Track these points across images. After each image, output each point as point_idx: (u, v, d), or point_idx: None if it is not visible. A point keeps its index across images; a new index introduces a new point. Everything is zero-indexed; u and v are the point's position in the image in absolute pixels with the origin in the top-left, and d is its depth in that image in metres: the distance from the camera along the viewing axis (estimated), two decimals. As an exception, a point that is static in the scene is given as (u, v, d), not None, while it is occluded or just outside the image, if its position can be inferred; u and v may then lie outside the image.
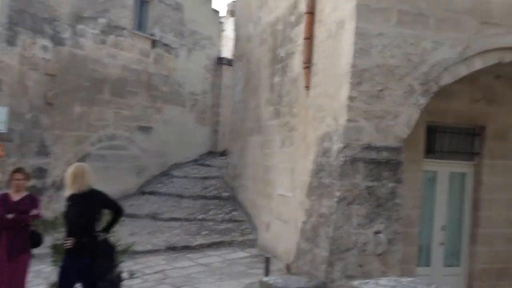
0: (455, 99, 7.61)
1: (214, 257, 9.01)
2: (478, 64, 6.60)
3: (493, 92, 7.81)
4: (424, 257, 7.82)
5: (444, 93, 6.74)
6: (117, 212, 5.37)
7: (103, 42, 11.87)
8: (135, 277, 6.14)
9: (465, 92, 7.64)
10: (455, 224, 7.97)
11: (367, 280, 3.56)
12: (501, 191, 7.85)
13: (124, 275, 6.03)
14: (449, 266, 7.95)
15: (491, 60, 6.64)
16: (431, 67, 6.33)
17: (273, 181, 9.16)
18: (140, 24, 13.23)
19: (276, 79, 9.27)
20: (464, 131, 7.88)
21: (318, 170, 6.71)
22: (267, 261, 7.29)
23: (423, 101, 6.32)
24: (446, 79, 6.44)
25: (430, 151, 7.68)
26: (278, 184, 8.85)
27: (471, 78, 7.17)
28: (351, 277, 6.08)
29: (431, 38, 6.31)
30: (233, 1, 16.50)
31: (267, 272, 7.18)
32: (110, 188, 11.56)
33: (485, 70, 6.84)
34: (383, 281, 3.48)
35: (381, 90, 6.17)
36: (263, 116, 10.08)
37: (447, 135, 7.83)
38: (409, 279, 3.49)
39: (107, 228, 5.33)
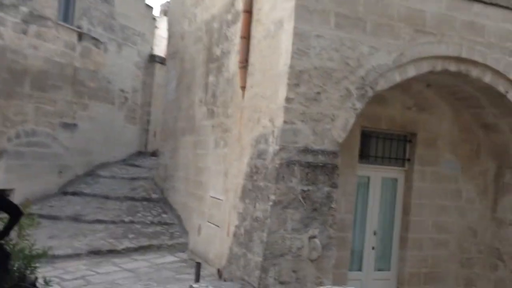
0: (388, 106, 7.70)
1: (141, 262, 8.57)
2: (411, 72, 6.68)
3: (424, 100, 7.98)
4: (356, 262, 7.84)
5: (378, 99, 6.77)
6: (15, 216, 4.89)
7: (24, 32, 11.04)
8: (50, 285, 5.62)
9: (398, 99, 7.76)
10: (387, 229, 8.07)
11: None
12: (430, 197, 8.03)
13: (40, 282, 5.54)
14: (380, 270, 8.03)
15: (424, 68, 6.74)
16: (367, 72, 6.32)
17: (206, 183, 8.87)
18: (66, 15, 12.46)
19: (211, 78, 9.00)
20: (396, 137, 7.99)
21: (252, 173, 6.51)
22: (197, 266, 6.99)
23: (359, 105, 6.29)
24: (382, 85, 6.46)
25: (364, 156, 7.72)
26: (211, 186, 8.58)
27: (404, 86, 7.27)
28: (284, 283, 5.94)
29: (368, 43, 6.31)
30: (167, 1, 16.04)
31: (197, 278, 6.88)
32: (28, 187, 10.96)
33: (417, 78, 6.96)
34: (323, 290, 3.30)
35: (318, 93, 6.07)
36: (196, 116, 9.76)
37: (381, 140, 7.91)
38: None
39: (2, 234, 4.85)
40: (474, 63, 6.96)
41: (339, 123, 6.17)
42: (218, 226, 7.97)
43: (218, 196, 8.14)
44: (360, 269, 7.88)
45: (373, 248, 7.96)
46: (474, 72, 7.03)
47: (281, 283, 5.92)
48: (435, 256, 8.10)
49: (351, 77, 6.22)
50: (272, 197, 5.93)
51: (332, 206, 6.12)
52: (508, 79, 7.19)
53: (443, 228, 8.14)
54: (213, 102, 8.80)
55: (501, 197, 8.30)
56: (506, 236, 8.11)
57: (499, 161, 8.32)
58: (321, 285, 6.09)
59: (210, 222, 8.44)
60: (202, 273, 7.04)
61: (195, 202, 9.43)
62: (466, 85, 7.44)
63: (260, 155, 6.34)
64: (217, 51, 8.73)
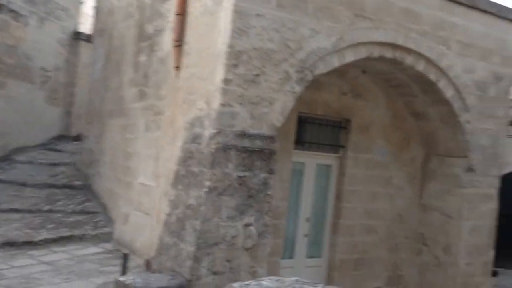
0: (325, 91, 7.62)
1: (61, 254, 7.95)
2: (350, 57, 6.61)
3: (360, 86, 7.98)
4: (288, 250, 7.74)
5: (314, 83, 6.64)
6: None
7: None
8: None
9: (334, 85, 7.70)
10: (319, 216, 8.03)
11: (247, 282, 3.14)
12: (363, 184, 8.08)
13: None
14: (312, 257, 7.99)
15: (361, 53, 6.69)
16: (307, 54, 6.16)
17: (135, 169, 8.39)
18: (-20, -17, 11.36)
19: (142, 57, 8.48)
20: (331, 123, 7.94)
21: (186, 158, 6.17)
22: (124, 257, 6.56)
23: (298, 89, 6.13)
24: (321, 69, 6.33)
25: (300, 142, 7.60)
26: (141, 172, 8.11)
27: (340, 71, 7.22)
28: (218, 273, 5.69)
29: (309, 25, 6.14)
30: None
31: (124, 270, 6.46)
32: None
33: (354, 64, 6.91)
34: (265, 282, 3.09)
35: (257, 75, 5.83)
36: (125, 98, 9.21)
37: (316, 126, 7.83)
38: (293, 278, 3.15)
39: None
40: (409, 50, 7.02)
41: (278, 107, 5.97)
42: (147, 214, 7.55)
43: (148, 182, 7.71)
44: (292, 257, 7.80)
45: (305, 235, 7.90)
46: (408, 60, 7.09)
47: (214, 273, 5.67)
48: (365, 242, 8.19)
49: (291, 60, 6.03)
50: (207, 183, 5.64)
51: (269, 193, 5.93)
52: (439, 68, 7.33)
53: (374, 214, 8.24)
54: (144, 82, 8.31)
55: (427, 184, 8.54)
56: (431, 222, 8.36)
57: (427, 148, 8.54)
58: (255, 274, 5.91)
59: (138, 210, 8.00)
60: (128, 264, 6.63)
61: (123, 189, 8.91)
62: (400, 72, 7.51)
63: (195, 139, 6.02)
64: (150, 29, 8.23)
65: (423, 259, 8.39)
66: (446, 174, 8.15)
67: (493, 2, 7.84)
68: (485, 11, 7.75)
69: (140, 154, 8.22)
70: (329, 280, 7.98)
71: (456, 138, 7.85)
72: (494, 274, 8.60)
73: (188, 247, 5.76)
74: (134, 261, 7.20)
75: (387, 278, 8.45)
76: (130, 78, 9.01)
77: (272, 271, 6.92)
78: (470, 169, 7.86)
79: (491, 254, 8.19)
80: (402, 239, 8.54)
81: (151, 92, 7.91)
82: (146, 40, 8.29)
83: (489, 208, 8.09)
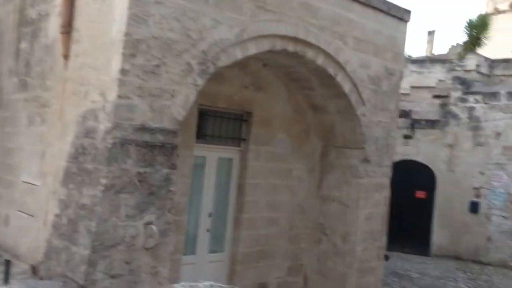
0: (226, 84, 7.46)
1: None
2: (252, 49, 6.50)
3: (261, 79, 7.93)
4: (190, 246, 7.52)
5: (216, 76, 6.44)
6: None
7: None
8: None
9: (236, 77, 7.57)
10: (221, 210, 7.89)
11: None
12: (264, 176, 8.07)
13: None
14: (214, 252, 7.84)
15: (264, 46, 6.62)
16: (209, 46, 5.94)
17: (17, 166, 7.60)
18: None
19: (24, 44, 7.68)
20: (233, 116, 7.81)
21: (78, 154, 5.69)
22: (7, 264, 5.90)
23: (200, 81, 5.90)
24: (224, 61, 6.15)
25: (201, 135, 7.38)
26: (24, 170, 7.37)
27: (242, 64, 7.11)
28: (116, 277, 5.33)
29: (211, 15, 5.92)
30: None
31: (6, 278, 5.81)
32: None
33: (256, 56, 6.83)
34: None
35: (157, 66, 5.50)
36: (4, 89, 8.30)
37: (218, 119, 7.65)
38: (207, 283, 2.95)
39: None
40: (309, 44, 7.08)
41: (179, 100, 5.70)
42: (32, 216, 6.89)
43: (32, 181, 7.02)
44: (194, 253, 7.59)
45: (207, 230, 7.73)
46: (309, 54, 7.15)
47: (112, 277, 5.30)
48: (267, 234, 8.20)
49: (192, 51, 5.77)
50: (103, 181, 5.23)
51: (171, 189, 5.66)
52: (337, 62, 7.49)
53: (275, 207, 8.28)
54: (26, 72, 7.53)
55: (326, 175, 8.75)
56: (330, 212, 8.59)
57: (326, 140, 8.74)
58: (157, 275, 5.64)
59: (21, 211, 7.28)
60: (12, 271, 5.98)
61: (2, 188, 8.07)
62: (301, 66, 7.56)
63: (88, 133, 5.55)
64: (33, 13, 7.46)
65: (322, 248, 8.60)
66: (344, 165, 8.40)
67: (385, 0, 8.17)
68: (378, 9, 8.05)
69: (23, 150, 7.47)
70: (232, 274, 7.89)
71: (353, 131, 8.11)
72: (386, 258, 9.07)
73: (82, 251, 5.32)
74: (19, 267, 6.52)
75: (288, 268, 8.56)
76: (9, 67, 8.14)
77: (174, 269, 6.68)
78: (366, 160, 8.16)
79: (384, 239, 8.61)
80: (302, 229, 8.68)
81: (35, 83, 7.19)
82: (28, 25, 7.52)
83: (383, 196, 8.49)
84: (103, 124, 5.35)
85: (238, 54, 6.34)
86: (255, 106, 7.90)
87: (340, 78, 7.60)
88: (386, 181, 8.56)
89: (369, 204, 8.26)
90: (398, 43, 8.54)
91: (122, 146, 5.30)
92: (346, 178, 8.38)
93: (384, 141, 8.43)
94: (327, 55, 7.34)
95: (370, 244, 8.30)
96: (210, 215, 7.72)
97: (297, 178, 8.56)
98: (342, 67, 7.56)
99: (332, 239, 8.48)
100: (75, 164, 5.72)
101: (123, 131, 5.30)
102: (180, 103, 5.71)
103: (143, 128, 5.42)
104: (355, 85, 7.78)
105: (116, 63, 5.30)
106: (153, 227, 5.53)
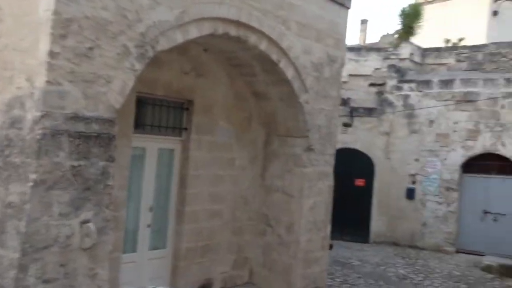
0: (165, 69, 7.06)
1: None
2: (193, 32, 6.12)
3: (202, 65, 7.58)
4: (130, 243, 7.08)
5: (154, 61, 6.02)
6: None
7: None
8: None
9: (175, 63, 7.18)
10: (163, 204, 7.51)
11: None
12: (207, 167, 7.76)
13: None
14: (156, 249, 7.44)
15: (205, 29, 6.26)
16: (147, 28, 5.52)
17: None
18: None
19: None
20: (173, 104, 7.42)
21: (3, 146, 5.10)
22: None
23: (139, 66, 5.46)
24: (163, 44, 5.74)
25: (140, 125, 6.94)
26: None
27: (181, 49, 6.75)
28: (49, 281, 4.85)
29: (148, -6, 5.50)
30: None
31: None
32: None
33: (195, 41, 6.47)
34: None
35: (91, 48, 5.02)
36: None
37: (157, 108, 7.23)
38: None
39: None
40: (252, 29, 6.80)
41: (116, 86, 5.25)
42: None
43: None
44: (134, 250, 7.16)
45: (148, 225, 7.32)
46: (252, 39, 6.87)
47: (46, 281, 4.82)
48: (210, 227, 7.91)
49: (129, 33, 5.33)
50: (33, 176, 4.71)
51: (109, 183, 5.22)
52: (281, 48, 7.27)
53: (218, 198, 7.99)
54: None
55: (269, 164, 8.56)
56: (273, 202, 8.41)
57: (268, 129, 8.55)
58: (96, 277, 5.20)
59: None
60: None
61: None
62: (243, 51, 7.28)
63: (14, 123, 4.98)
64: None
65: (267, 240, 8.42)
66: (287, 154, 8.24)
67: (326, -15, 8.04)
68: (319, -7, 7.91)
69: None
70: (175, 271, 7.54)
71: (296, 118, 7.95)
72: (330, 247, 9.04)
73: (11, 254, 4.79)
74: None
75: (233, 262, 8.31)
76: None
77: (113, 268, 6.24)
78: (309, 149, 8.03)
79: (328, 229, 8.55)
80: (246, 221, 8.46)
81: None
82: None
83: (326, 185, 8.41)
84: (31, 113, 4.82)
85: (179, 37, 5.95)
86: (196, 94, 7.54)
87: (283, 64, 7.39)
88: (329, 169, 8.49)
89: (313, 194, 8.15)
90: (339, 29, 8.45)
91: (53, 137, 4.80)
92: (290, 167, 8.23)
93: (327, 129, 8.34)
94: (271, 40, 7.10)
95: (314, 234, 8.20)
96: (150, 210, 7.31)
97: (240, 168, 8.31)
98: (285, 53, 7.35)
99: (277, 230, 8.32)
100: (0, 157, 5.15)
101: (54, 120, 4.80)
102: (117, 89, 5.26)
103: (76, 117, 4.94)
104: (298, 72, 7.60)
105: (44, 45, 4.77)
106: (90, 225, 5.07)
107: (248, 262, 8.54)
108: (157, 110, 7.25)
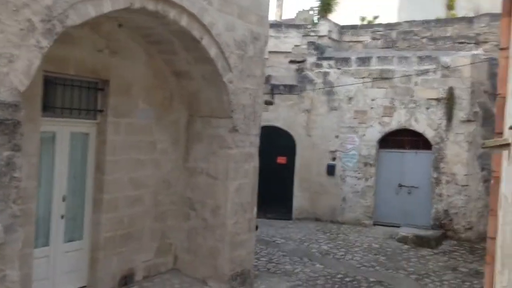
0: (76, 47, 6.45)
1: None
2: (107, 6, 5.59)
3: (117, 42, 7.02)
4: (42, 236, 6.51)
5: (63, 38, 5.43)
6: None
7: None
8: None
9: (88, 39, 6.59)
10: (78, 192, 6.96)
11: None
12: (125, 152, 7.29)
13: None
14: (71, 241, 6.91)
15: (120, 3, 5.73)
16: (54, 0, 4.92)
17: None
18: None
19: None
20: (86, 84, 6.83)
21: None
22: None
23: (45, 43, 4.88)
24: (73, 19, 5.17)
25: (48, 108, 6.31)
26: None
27: (94, 24, 6.19)
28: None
29: (55, -38, 4.88)
30: None
31: None
32: None
33: (109, 15, 5.92)
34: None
35: (-12, 23, 4.39)
36: None
37: (68, 89, 6.61)
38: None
39: None
40: (172, 3, 6.35)
41: (20, 66, 4.65)
42: None
43: None
44: (47, 244, 6.60)
45: (62, 216, 6.76)
46: (172, 14, 6.43)
47: None
48: (131, 215, 7.48)
49: (34, 6, 4.72)
50: None
51: (16, 175, 4.65)
52: (203, 25, 6.89)
53: (139, 183, 7.56)
54: None
55: (192, 146, 8.23)
56: (198, 185, 8.12)
57: (191, 109, 8.19)
58: (5, 279, 4.67)
59: None
60: None
61: None
62: (162, 27, 6.81)
63: None
64: None
65: (191, 224, 8.14)
66: (211, 136, 7.94)
67: (248, -42, 7.71)
68: (241, -33, 7.58)
69: None
70: (93, 263, 7.06)
71: (220, 98, 7.64)
72: (256, 228, 8.92)
73: None
74: None
75: (156, 249, 7.96)
76: None
77: (25, 265, 5.69)
78: (234, 130, 7.78)
79: (254, 211, 8.42)
80: (169, 205, 8.12)
81: None
82: None
83: (252, 166, 8.23)
84: None
85: (91, 11, 5.39)
86: (111, 73, 6.99)
87: (205, 41, 7.02)
88: (254, 150, 8.30)
89: (239, 176, 7.95)
90: (262, 5, 8.20)
91: None
92: (214, 149, 7.94)
93: (252, 109, 8.13)
94: (191, 15, 6.69)
95: (241, 216, 8.03)
96: (64, 199, 6.74)
97: (162, 151, 7.91)
98: (207, 30, 6.98)
99: (201, 213, 8.05)
100: None
101: None
102: (21, 69, 4.66)
103: (-27, 102, 4.32)
104: (221, 50, 7.27)
105: None
106: (-5, 223, 4.52)
107: (172, 248, 8.23)
108: (68, 91, 6.64)
